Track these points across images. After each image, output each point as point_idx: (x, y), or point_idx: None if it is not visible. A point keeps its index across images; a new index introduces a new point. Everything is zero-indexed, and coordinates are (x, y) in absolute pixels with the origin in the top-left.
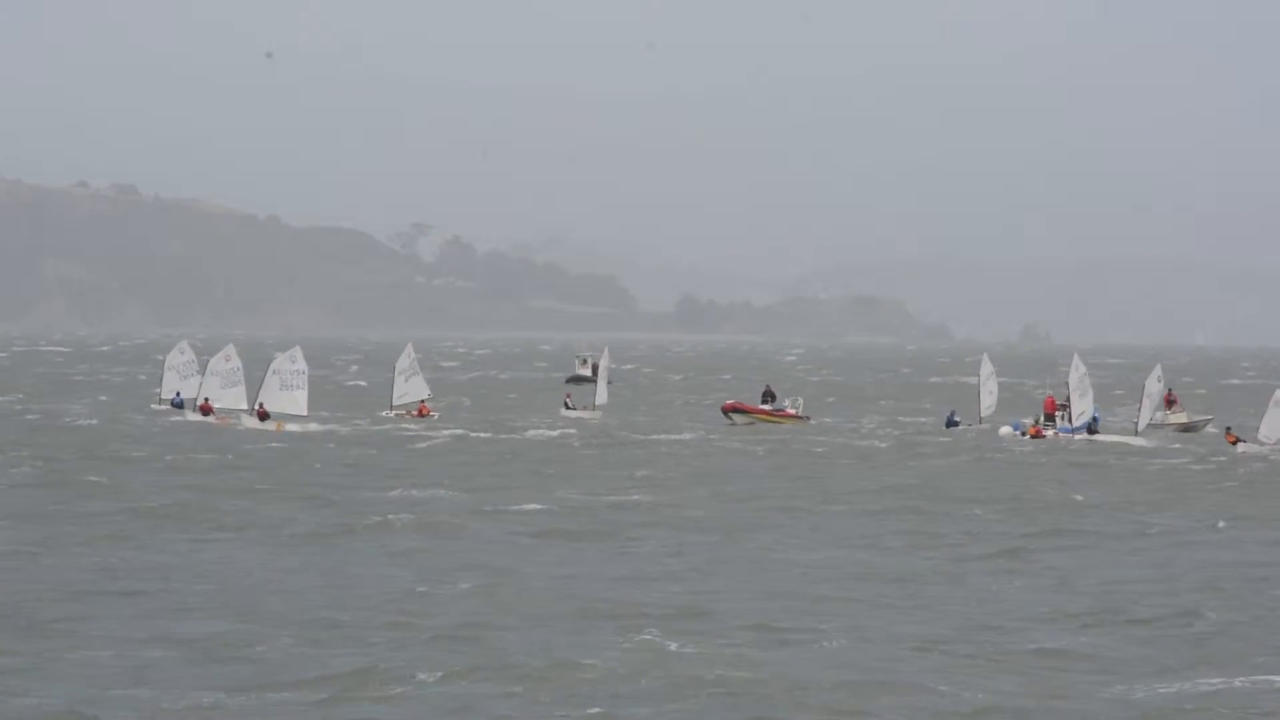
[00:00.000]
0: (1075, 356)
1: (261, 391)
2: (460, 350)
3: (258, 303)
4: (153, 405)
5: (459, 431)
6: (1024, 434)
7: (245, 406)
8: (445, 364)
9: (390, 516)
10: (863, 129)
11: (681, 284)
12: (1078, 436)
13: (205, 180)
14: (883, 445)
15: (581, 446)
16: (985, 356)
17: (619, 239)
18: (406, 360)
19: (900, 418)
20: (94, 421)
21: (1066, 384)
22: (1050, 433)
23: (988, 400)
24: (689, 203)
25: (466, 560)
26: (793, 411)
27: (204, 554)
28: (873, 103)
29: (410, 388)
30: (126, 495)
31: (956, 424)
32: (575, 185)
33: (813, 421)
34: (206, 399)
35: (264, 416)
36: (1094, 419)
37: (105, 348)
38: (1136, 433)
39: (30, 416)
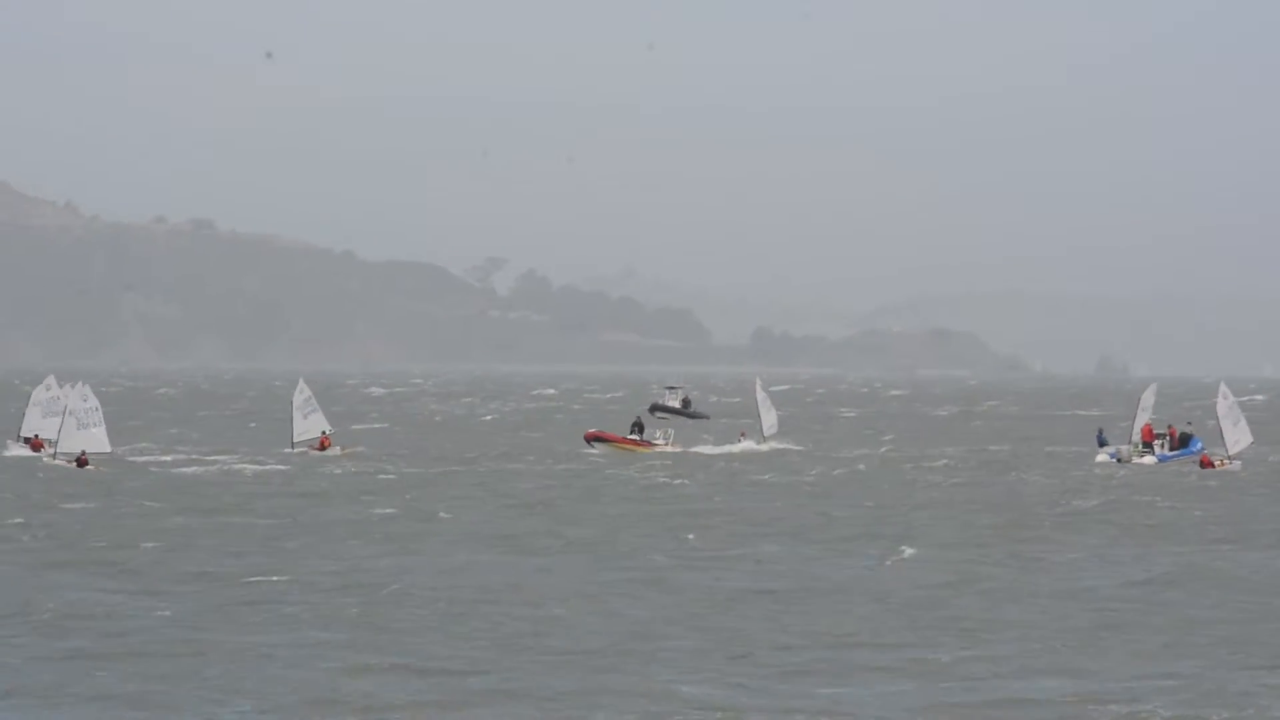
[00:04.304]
0: (1222, 385)
1: (60, 434)
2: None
3: (333, 337)
4: (9, 441)
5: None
6: (1119, 460)
7: (55, 437)
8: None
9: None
10: (929, 159)
11: (756, 317)
12: (1234, 466)
13: (281, 215)
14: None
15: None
16: (1153, 386)
17: (694, 272)
18: (301, 397)
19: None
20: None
21: (1216, 414)
22: (1149, 459)
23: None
24: (764, 236)
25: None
26: (661, 444)
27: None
28: (941, 133)
29: (310, 424)
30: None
31: (1107, 442)
32: (650, 220)
33: (678, 450)
34: (36, 434)
35: (83, 464)
36: (1200, 447)
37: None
38: None
39: None
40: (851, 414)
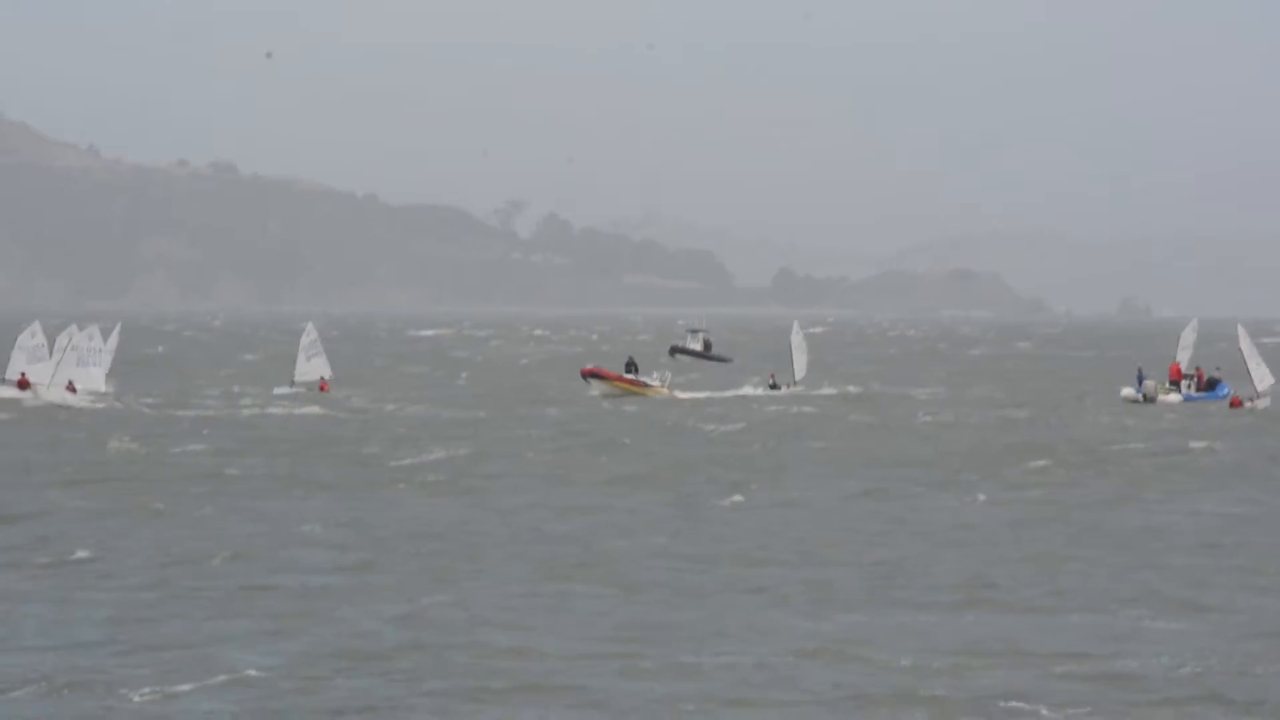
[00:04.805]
0: (1240, 326)
1: (59, 367)
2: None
3: (356, 280)
4: None
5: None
6: (1145, 397)
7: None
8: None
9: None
10: (953, 98)
11: (778, 259)
12: (1263, 403)
13: (303, 159)
14: None
15: None
16: (1193, 324)
17: (716, 215)
18: (308, 339)
19: None
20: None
21: (1241, 353)
22: (1174, 397)
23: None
24: (786, 178)
25: None
26: (657, 385)
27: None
28: (964, 71)
29: (312, 366)
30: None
31: (1143, 378)
32: (672, 162)
33: (678, 395)
34: (22, 374)
35: (71, 390)
36: (1226, 392)
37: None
38: None
39: None
40: (883, 355)
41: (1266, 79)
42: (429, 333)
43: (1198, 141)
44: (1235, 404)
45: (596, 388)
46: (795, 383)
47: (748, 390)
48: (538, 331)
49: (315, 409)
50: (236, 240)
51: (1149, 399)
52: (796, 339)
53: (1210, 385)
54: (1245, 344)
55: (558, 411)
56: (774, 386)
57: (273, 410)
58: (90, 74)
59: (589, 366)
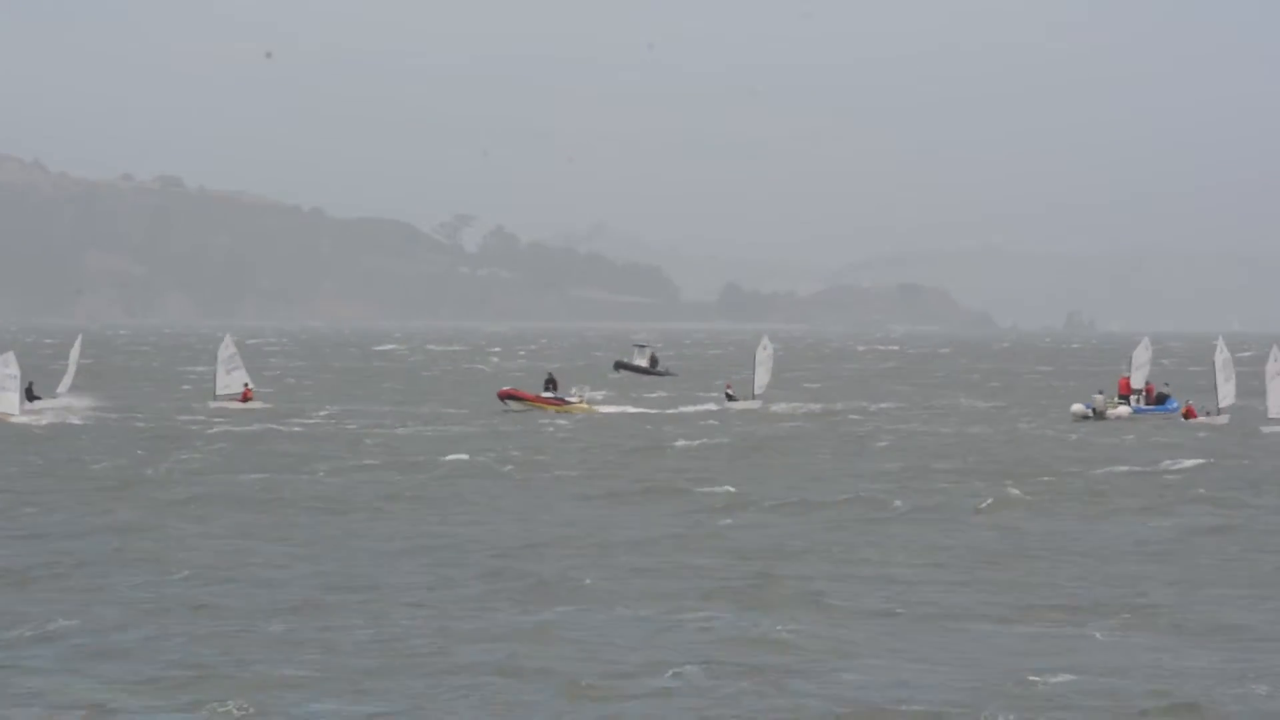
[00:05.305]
0: (1220, 340)
1: None
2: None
3: (303, 294)
4: None
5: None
6: (1095, 411)
7: None
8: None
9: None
10: (904, 116)
11: (725, 273)
12: (1221, 419)
13: (249, 173)
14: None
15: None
16: (1145, 341)
17: (664, 229)
18: (227, 352)
19: None
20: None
21: (1214, 366)
22: (1124, 410)
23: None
24: (733, 192)
25: None
26: (576, 401)
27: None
28: (917, 90)
29: (233, 379)
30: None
31: (1100, 394)
32: (619, 176)
33: (599, 411)
34: None
35: None
36: (1175, 407)
37: None
38: None
39: None
40: (838, 371)
41: (1231, 102)
42: (388, 347)
43: (1150, 159)
44: (1190, 414)
45: (515, 409)
46: (754, 397)
47: (695, 407)
48: (493, 348)
49: (281, 426)
50: (182, 254)
51: (1099, 414)
52: (763, 354)
53: (1160, 400)
54: (1220, 358)
55: (527, 428)
56: (731, 399)
57: (236, 427)
58: (35, 87)
59: (506, 388)
